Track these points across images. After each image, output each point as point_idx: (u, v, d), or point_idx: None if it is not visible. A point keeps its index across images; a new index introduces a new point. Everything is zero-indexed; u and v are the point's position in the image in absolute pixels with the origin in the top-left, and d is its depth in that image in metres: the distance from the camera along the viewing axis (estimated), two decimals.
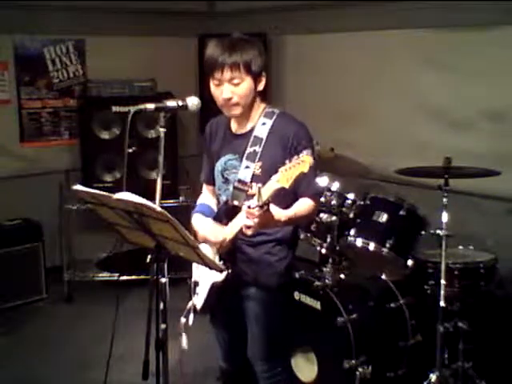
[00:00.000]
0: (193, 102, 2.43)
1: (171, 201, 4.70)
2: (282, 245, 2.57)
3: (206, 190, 2.80)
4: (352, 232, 3.33)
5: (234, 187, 2.50)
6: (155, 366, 2.26)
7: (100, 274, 4.93)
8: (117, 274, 4.79)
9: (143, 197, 2.05)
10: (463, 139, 3.93)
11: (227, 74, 2.39)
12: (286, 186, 2.14)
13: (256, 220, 2.17)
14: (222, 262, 2.45)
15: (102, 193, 2.15)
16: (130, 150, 2.39)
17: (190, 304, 2.58)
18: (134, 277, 4.51)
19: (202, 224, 2.56)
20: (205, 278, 2.56)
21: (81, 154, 4.92)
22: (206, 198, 2.78)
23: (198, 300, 2.58)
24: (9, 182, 4.83)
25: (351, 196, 3.45)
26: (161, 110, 2.36)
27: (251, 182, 2.43)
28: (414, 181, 3.55)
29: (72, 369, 3.77)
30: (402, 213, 3.29)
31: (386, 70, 4.42)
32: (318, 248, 3.49)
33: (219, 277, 2.44)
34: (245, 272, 2.54)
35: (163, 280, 2.24)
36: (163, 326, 2.24)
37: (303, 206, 2.44)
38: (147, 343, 2.25)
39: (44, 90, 5.01)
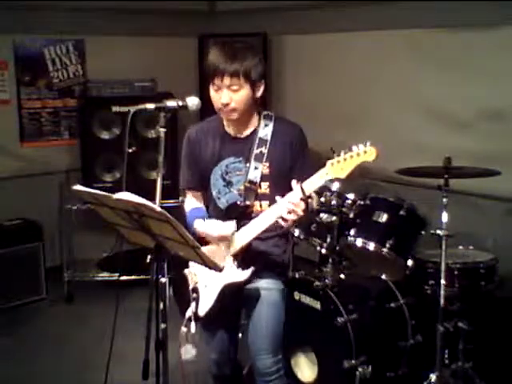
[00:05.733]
0: (193, 102, 2.43)
1: (171, 201, 4.65)
2: (284, 238, 2.74)
3: (191, 196, 2.77)
4: (352, 232, 3.32)
5: (246, 188, 2.57)
6: (155, 365, 2.26)
7: (100, 274, 4.94)
8: (117, 274, 4.79)
9: (143, 197, 2.05)
10: (463, 139, 3.92)
11: (227, 80, 2.45)
12: (342, 176, 2.33)
13: (300, 212, 2.34)
14: (236, 263, 2.51)
15: (101, 193, 2.15)
16: (130, 150, 2.41)
17: (190, 312, 2.56)
18: (133, 277, 4.50)
19: (213, 225, 2.56)
20: (210, 283, 2.56)
21: (81, 154, 4.91)
22: (194, 203, 2.75)
23: (203, 307, 2.57)
24: (9, 182, 4.83)
25: (351, 196, 3.44)
26: (161, 110, 2.37)
27: (261, 181, 2.57)
28: (413, 181, 3.55)
29: (72, 369, 3.77)
30: (402, 213, 3.28)
31: (385, 70, 4.42)
32: (318, 248, 3.48)
33: (243, 276, 2.49)
34: (255, 266, 2.54)
35: (163, 280, 2.24)
36: (163, 325, 2.25)
37: None
38: (147, 343, 2.25)
39: (44, 90, 5.01)
